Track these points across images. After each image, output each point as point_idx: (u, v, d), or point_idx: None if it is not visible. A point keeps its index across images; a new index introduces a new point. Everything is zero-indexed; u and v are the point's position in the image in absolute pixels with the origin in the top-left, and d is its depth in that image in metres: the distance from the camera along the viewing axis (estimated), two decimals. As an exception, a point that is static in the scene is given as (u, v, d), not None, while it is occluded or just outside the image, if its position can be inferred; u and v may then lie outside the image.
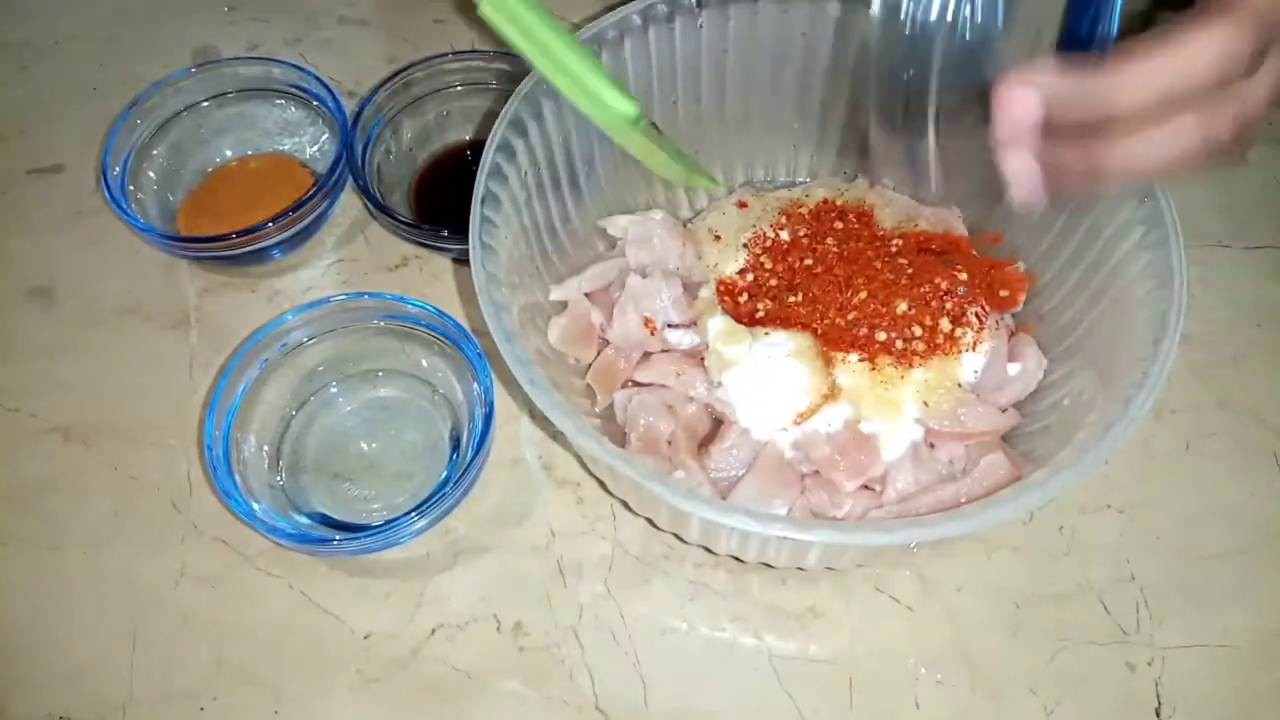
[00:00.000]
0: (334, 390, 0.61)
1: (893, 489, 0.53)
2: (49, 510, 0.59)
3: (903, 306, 0.57)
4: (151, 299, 0.67)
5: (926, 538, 0.42)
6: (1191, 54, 0.34)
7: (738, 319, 0.57)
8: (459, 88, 0.71)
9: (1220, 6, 0.35)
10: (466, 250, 0.50)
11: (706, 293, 0.59)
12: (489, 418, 0.55)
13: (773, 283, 0.60)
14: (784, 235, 0.62)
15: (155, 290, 0.67)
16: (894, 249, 0.61)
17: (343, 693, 0.53)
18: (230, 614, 0.55)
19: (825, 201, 0.64)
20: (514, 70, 0.69)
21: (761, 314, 0.58)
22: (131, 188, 0.66)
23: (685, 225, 0.65)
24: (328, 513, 0.57)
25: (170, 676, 0.53)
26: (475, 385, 0.57)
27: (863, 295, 0.58)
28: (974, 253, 0.62)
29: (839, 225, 0.62)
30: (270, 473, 0.58)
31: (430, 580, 0.56)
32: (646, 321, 0.58)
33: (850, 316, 0.57)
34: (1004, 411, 0.55)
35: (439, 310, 0.58)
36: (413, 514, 0.53)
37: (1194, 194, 0.72)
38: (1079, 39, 0.41)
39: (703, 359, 0.57)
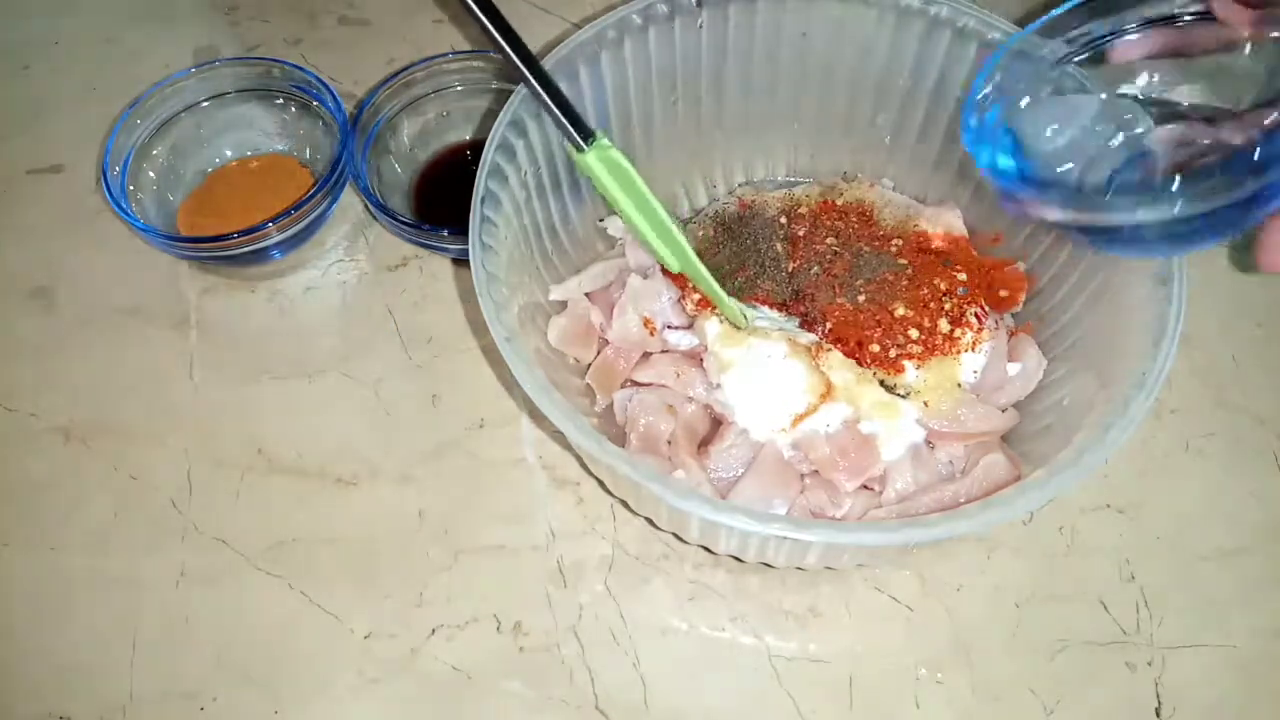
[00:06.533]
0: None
1: (892, 489, 0.53)
2: (49, 510, 0.59)
3: (901, 309, 0.57)
4: (151, 299, 0.67)
5: (926, 538, 0.42)
6: None
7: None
8: (459, 88, 0.71)
9: None
10: (466, 250, 0.50)
11: (706, 293, 0.59)
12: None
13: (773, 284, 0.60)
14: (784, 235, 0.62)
15: (155, 290, 0.67)
16: (894, 249, 0.61)
17: (343, 693, 0.53)
18: (230, 614, 0.55)
19: (825, 201, 0.64)
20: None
21: (761, 314, 0.58)
22: (131, 188, 0.66)
23: (685, 225, 0.65)
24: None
25: (170, 676, 0.53)
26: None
27: (861, 298, 0.58)
28: (974, 253, 0.62)
29: (839, 225, 0.62)
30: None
31: (430, 580, 0.56)
32: (646, 321, 0.58)
33: (849, 317, 0.57)
34: (1004, 411, 0.55)
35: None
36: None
37: (1194, 194, 0.72)
38: None
39: (702, 359, 0.57)
